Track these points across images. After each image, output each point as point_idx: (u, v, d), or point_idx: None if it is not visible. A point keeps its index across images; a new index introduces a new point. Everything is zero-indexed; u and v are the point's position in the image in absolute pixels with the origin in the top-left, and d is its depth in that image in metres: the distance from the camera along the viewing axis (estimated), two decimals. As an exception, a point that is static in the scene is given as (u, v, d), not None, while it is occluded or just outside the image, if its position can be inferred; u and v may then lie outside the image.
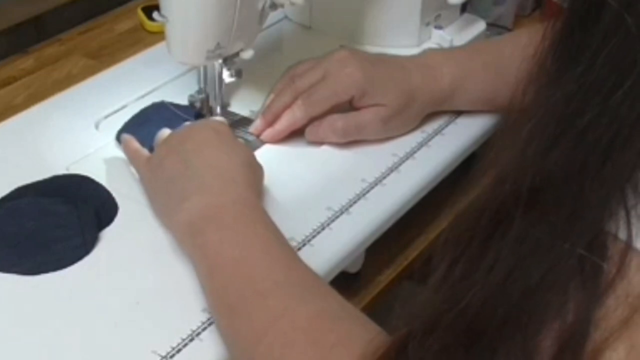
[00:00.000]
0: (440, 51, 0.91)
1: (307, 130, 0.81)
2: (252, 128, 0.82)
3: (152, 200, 0.72)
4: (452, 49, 0.93)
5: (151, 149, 0.77)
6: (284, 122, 0.81)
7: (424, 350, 0.44)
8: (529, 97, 0.46)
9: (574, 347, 0.41)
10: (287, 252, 0.64)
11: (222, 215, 0.65)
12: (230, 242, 0.64)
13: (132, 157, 0.76)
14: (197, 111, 0.85)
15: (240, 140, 0.80)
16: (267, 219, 0.66)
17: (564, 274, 0.41)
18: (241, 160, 0.70)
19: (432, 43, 0.98)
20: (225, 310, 0.61)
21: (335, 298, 0.60)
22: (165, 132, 0.77)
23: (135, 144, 0.77)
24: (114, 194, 0.74)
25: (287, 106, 0.81)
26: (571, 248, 0.41)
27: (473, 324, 0.43)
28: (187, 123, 0.79)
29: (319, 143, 0.82)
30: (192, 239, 0.65)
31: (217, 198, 0.66)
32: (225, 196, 0.67)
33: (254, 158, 0.72)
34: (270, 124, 0.81)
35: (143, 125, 0.82)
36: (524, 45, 0.84)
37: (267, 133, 0.82)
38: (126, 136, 0.78)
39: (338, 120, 0.81)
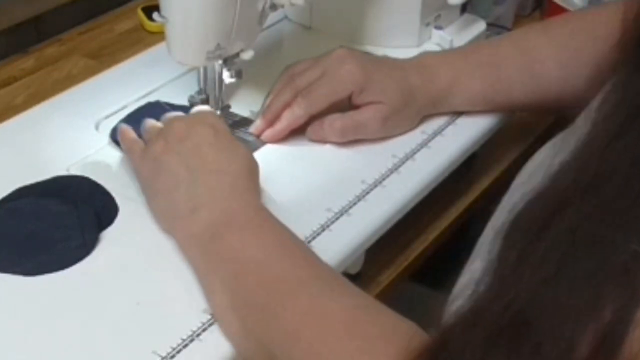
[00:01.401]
0: (436, 53, 0.91)
1: (308, 130, 0.82)
2: (253, 128, 0.82)
3: (152, 202, 0.72)
4: (447, 51, 0.93)
5: None
6: (284, 121, 0.81)
7: (466, 342, 0.44)
8: (601, 87, 0.46)
9: (611, 344, 0.40)
10: (305, 250, 0.66)
11: (238, 219, 0.66)
12: (252, 244, 0.64)
13: (128, 148, 0.76)
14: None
15: (241, 140, 0.80)
16: (275, 219, 0.67)
17: (614, 269, 0.40)
18: (241, 162, 0.70)
19: (432, 43, 0.98)
20: (256, 310, 0.61)
21: (362, 293, 0.61)
22: (150, 122, 0.76)
23: (131, 134, 0.77)
24: (114, 195, 0.74)
25: (287, 105, 0.81)
26: (625, 243, 0.40)
27: (519, 315, 0.42)
28: (179, 113, 0.78)
29: (319, 143, 0.82)
30: (209, 245, 0.65)
31: (227, 203, 0.67)
32: (235, 201, 0.67)
33: (251, 157, 0.72)
34: (270, 123, 0.81)
35: (138, 124, 0.82)
36: (520, 44, 0.84)
37: (268, 133, 0.82)
38: (123, 126, 0.78)
39: (337, 120, 0.81)
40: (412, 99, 0.83)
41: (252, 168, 0.72)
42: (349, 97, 0.81)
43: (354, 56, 0.83)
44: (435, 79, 0.84)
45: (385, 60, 0.86)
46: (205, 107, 0.81)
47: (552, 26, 0.88)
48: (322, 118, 0.81)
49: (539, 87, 0.84)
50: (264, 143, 0.82)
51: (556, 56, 0.84)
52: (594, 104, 0.65)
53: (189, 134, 0.71)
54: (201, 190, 0.68)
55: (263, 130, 0.82)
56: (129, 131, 0.77)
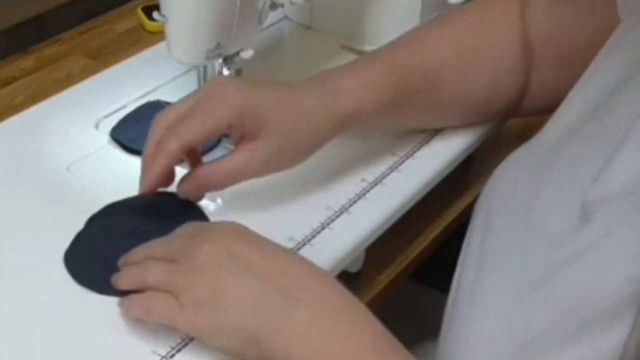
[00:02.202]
0: (336, 67, 0.78)
1: (178, 190, 0.71)
2: (141, 190, 0.72)
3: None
4: (349, 63, 0.79)
5: (144, 147, 0.77)
6: (157, 164, 0.69)
7: None
8: None
9: None
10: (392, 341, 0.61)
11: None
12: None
13: (150, 312, 0.62)
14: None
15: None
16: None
17: None
18: (287, 256, 0.63)
19: (432, 43, 0.98)
20: None
21: None
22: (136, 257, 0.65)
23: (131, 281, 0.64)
24: (114, 194, 0.74)
25: (159, 143, 0.69)
26: None
27: None
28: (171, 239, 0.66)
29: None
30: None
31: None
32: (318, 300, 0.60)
33: (284, 249, 0.65)
34: (150, 172, 0.70)
35: (137, 123, 0.82)
36: (424, 44, 0.80)
37: (145, 184, 0.70)
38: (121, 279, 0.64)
39: (204, 171, 0.71)
40: (306, 125, 0.72)
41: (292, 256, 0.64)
42: (228, 127, 0.70)
43: (234, 81, 0.72)
44: (337, 94, 0.73)
45: (275, 84, 0.74)
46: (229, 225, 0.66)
47: (450, 22, 0.82)
48: (191, 171, 0.72)
49: (442, 91, 0.79)
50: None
51: (456, 56, 0.79)
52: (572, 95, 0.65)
53: (231, 256, 0.61)
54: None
55: (149, 188, 0.70)
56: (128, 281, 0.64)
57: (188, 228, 0.65)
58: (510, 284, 0.55)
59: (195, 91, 0.72)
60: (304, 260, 0.62)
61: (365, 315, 0.60)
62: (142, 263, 0.63)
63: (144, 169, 0.70)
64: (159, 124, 0.70)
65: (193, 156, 0.71)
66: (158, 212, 0.69)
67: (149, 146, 0.69)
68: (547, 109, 0.79)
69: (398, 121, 0.80)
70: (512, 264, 0.57)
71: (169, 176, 0.71)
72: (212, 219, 0.72)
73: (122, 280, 0.64)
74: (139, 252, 0.65)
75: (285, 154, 0.72)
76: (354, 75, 0.75)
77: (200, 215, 0.72)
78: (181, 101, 0.71)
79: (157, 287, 0.61)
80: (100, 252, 0.67)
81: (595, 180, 0.54)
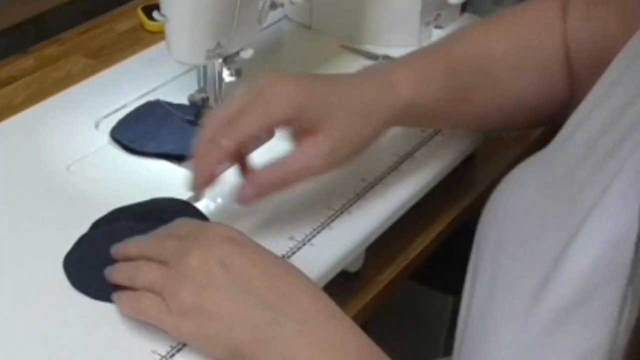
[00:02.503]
0: (391, 60, 0.78)
1: (235, 197, 0.69)
2: (190, 190, 0.70)
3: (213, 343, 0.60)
4: (403, 55, 0.78)
5: (144, 147, 0.77)
6: (208, 160, 0.67)
7: None
8: None
9: None
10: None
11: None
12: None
13: (137, 310, 0.62)
14: (196, 108, 0.84)
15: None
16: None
17: None
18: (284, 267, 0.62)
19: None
20: None
21: None
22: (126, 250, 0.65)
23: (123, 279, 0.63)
24: (114, 195, 0.74)
25: (212, 141, 0.67)
26: None
27: None
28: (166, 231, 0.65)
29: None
30: None
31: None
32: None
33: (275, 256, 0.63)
34: (200, 172, 0.68)
35: (137, 123, 0.82)
36: (473, 43, 0.79)
37: (196, 184, 0.68)
38: (113, 274, 0.64)
39: (264, 174, 0.69)
40: (364, 117, 0.70)
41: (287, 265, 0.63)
42: (287, 123, 0.68)
43: (290, 76, 0.70)
44: (395, 86, 0.72)
45: (330, 76, 0.74)
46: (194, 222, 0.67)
47: (501, 21, 0.80)
48: (250, 176, 0.69)
49: (494, 88, 0.77)
50: (264, 141, 0.82)
51: (508, 54, 0.78)
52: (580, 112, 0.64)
53: (213, 257, 0.60)
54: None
55: (202, 185, 0.68)
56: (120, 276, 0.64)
57: (182, 226, 0.65)
58: (524, 326, 0.54)
59: (247, 90, 0.69)
60: (294, 273, 0.61)
61: (352, 331, 0.59)
62: (134, 261, 0.63)
63: (195, 168, 0.68)
64: (211, 123, 0.68)
65: (242, 162, 0.70)
66: (162, 219, 0.68)
67: (200, 145, 0.67)
68: None
69: (452, 118, 0.78)
70: (525, 300, 0.55)
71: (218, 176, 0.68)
72: (212, 219, 0.72)
73: (114, 275, 0.64)
74: (132, 245, 0.65)
75: (346, 148, 0.70)
76: (408, 66, 0.74)
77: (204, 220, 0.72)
78: (233, 99, 0.69)
79: (147, 288, 0.61)
80: (99, 257, 0.66)
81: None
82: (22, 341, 0.62)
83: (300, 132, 0.69)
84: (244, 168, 0.70)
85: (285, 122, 0.68)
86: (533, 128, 0.85)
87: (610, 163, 0.55)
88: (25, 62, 0.99)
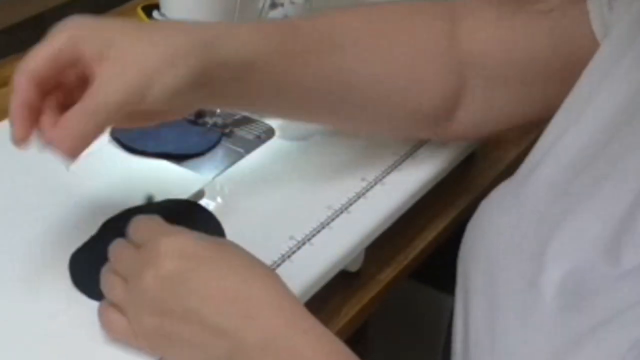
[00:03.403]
0: None
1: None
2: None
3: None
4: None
5: (144, 147, 0.77)
6: (13, 105, 0.60)
7: None
8: None
9: None
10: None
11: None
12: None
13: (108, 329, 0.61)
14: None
15: (243, 140, 0.80)
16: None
17: None
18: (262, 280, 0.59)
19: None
20: None
21: None
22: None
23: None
24: (113, 195, 0.74)
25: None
26: None
27: None
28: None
29: (320, 139, 0.77)
30: None
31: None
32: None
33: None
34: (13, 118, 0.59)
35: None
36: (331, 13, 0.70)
37: (11, 132, 0.60)
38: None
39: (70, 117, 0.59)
40: (159, 42, 0.60)
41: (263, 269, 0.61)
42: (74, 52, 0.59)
43: (84, 17, 0.62)
44: (205, 27, 0.64)
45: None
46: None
47: (364, 6, 0.74)
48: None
49: (341, 52, 0.70)
50: (263, 142, 0.82)
51: (367, 25, 0.72)
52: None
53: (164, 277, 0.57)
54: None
55: (15, 132, 0.60)
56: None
57: (137, 229, 0.62)
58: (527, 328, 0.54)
59: None
60: (256, 286, 0.58)
61: (321, 343, 0.57)
62: (104, 274, 0.62)
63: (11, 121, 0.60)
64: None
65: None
66: (173, 221, 0.66)
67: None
68: (488, 130, 0.77)
69: (286, 78, 0.67)
70: (527, 336, 0.54)
71: (33, 117, 0.60)
72: (212, 218, 0.72)
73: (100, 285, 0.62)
74: (111, 253, 0.63)
75: (140, 73, 0.59)
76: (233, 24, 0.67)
77: (216, 225, 0.71)
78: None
79: (114, 304, 0.60)
80: (102, 258, 0.66)
81: (603, 249, 0.53)
82: (24, 340, 0.62)
83: (90, 67, 0.59)
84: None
85: (63, 53, 0.59)
86: (410, 130, 0.79)
87: (590, 189, 0.56)
88: (25, 61, 0.99)
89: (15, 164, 0.78)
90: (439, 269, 0.82)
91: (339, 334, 0.72)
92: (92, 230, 0.70)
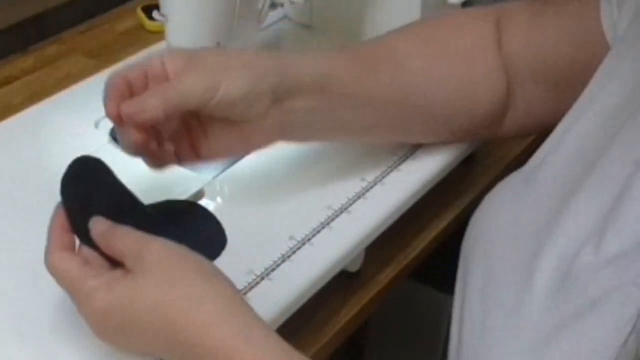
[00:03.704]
0: None
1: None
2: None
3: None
4: None
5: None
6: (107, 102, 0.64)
7: None
8: None
9: None
10: None
11: None
12: None
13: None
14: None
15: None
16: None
17: None
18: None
19: (432, 42, 0.98)
20: None
21: None
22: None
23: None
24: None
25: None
26: None
27: None
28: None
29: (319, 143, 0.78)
30: None
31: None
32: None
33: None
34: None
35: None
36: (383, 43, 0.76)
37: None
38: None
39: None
40: (245, 65, 0.65)
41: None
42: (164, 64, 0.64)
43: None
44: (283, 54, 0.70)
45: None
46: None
47: (415, 23, 0.80)
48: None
49: (405, 77, 0.74)
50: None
51: (419, 49, 0.76)
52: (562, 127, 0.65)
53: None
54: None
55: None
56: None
57: (124, 241, 0.59)
58: (519, 343, 0.55)
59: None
60: (201, 300, 0.56)
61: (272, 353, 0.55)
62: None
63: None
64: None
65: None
66: (176, 221, 0.67)
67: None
68: (534, 128, 0.78)
69: (356, 102, 0.72)
70: (517, 322, 0.56)
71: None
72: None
73: None
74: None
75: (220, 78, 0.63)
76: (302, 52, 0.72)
77: (217, 225, 0.70)
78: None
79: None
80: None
81: (590, 238, 0.55)
82: (25, 337, 0.62)
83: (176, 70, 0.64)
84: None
85: (153, 68, 0.64)
86: (461, 141, 0.82)
87: (592, 182, 0.57)
88: (26, 61, 0.99)
89: (15, 164, 0.78)
90: (439, 269, 0.82)
91: (339, 334, 0.72)
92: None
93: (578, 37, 0.72)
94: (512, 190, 0.65)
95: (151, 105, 0.61)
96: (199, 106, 0.63)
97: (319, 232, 0.72)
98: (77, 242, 0.61)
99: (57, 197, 0.74)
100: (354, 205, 0.75)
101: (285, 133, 0.70)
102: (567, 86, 0.71)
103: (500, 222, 0.63)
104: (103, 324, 0.57)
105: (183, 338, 0.55)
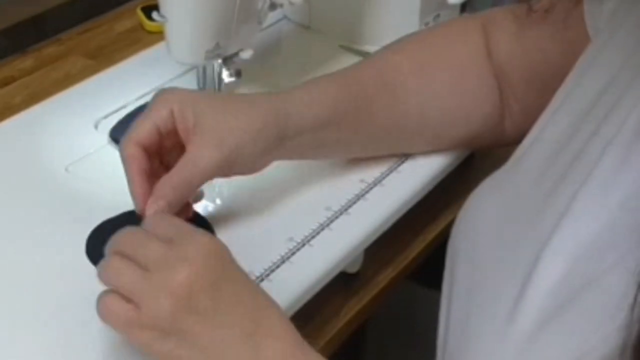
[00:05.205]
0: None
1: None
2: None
3: None
4: None
5: None
6: (129, 175, 0.67)
7: None
8: None
9: None
10: None
11: None
12: None
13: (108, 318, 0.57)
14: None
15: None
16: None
17: None
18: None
19: (431, 43, 0.98)
20: None
21: None
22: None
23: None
24: (113, 195, 0.74)
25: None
26: None
27: None
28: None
29: None
30: None
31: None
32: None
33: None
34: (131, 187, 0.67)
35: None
36: (376, 62, 0.78)
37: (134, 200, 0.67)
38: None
39: (167, 182, 0.66)
40: (247, 113, 0.69)
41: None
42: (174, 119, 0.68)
43: (180, 89, 0.71)
44: (280, 94, 0.72)
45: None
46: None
47: (405, 39, 0.81)
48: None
49: (400, 107, 0.77)
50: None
51: (411, 69, 0.78)
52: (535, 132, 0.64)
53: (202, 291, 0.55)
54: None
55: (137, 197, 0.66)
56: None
57: (161, 223, 0.60)
58: (503, 333, 0.54)
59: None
60: (272, 304, 0.58)
61: None
62: (109, 260, 0.58)
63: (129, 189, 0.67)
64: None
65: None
66: None
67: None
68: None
69: (354, 128, 0.75)
70: (503, 313, 0.55)
71: (148, 184, 0.66)
72: (212, 220, 0.72)
73: (98, 274, 0.58)
74: (112, 239, 0.59)
75: (227, 141, 0.67)
76: (299, 87, 0.74)
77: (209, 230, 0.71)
78: None
79: (120, 292, 0.56)
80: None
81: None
82: (27, 337, 0.62)
83: (186, 133, 0.68)
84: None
85: (169, 116, 0.67)
86: (463, 149, 0.83)
87: (577, 168, 0.56)
88: (25, 62, 0.99)
89: (14, 165, 0.78)
90: (438, 270, 0.82)
91: (339, 334, 0.72)
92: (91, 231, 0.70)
93: (564, 41, 0.72)
94: (493, 186, 0.65)
95: (172, 196, 0.66)
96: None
97: (318, 233, 0.72)
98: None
99: (56, 197, 0.75)
100: (353, 207, 0.75)
101: (283, 158, 0.74)
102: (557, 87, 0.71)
103: (484, 219, 0.62)
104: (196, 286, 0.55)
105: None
